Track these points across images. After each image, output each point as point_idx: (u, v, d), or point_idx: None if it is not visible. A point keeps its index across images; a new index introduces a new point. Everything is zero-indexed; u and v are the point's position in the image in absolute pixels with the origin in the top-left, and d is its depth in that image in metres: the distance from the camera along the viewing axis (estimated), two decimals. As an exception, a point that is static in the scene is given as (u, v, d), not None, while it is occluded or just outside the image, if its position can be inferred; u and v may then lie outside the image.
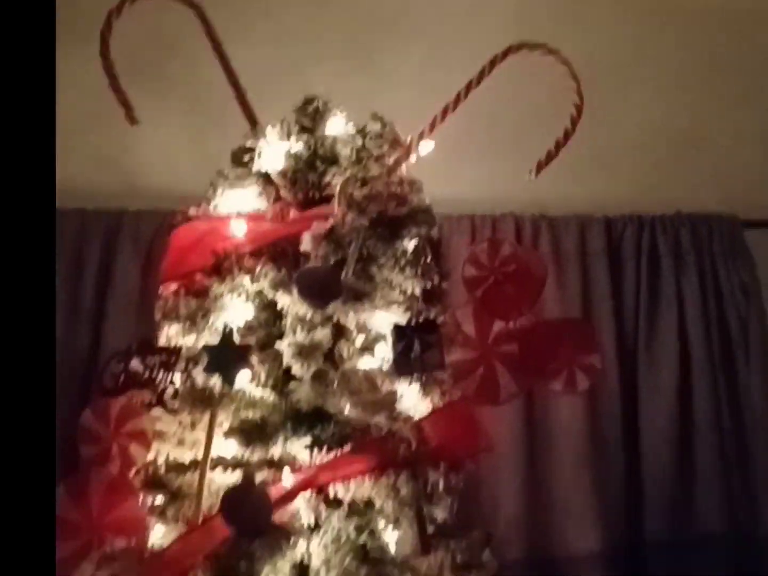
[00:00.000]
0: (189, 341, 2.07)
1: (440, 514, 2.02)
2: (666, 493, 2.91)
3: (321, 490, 1.98)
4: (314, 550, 1.95)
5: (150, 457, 2.04)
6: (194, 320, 2.06)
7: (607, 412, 2.91)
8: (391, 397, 1.99)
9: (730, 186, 3.09)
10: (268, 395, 2.03)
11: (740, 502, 2.94)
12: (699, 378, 2.95)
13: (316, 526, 1.97)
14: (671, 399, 2.93)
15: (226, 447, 2.02)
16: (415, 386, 2.06)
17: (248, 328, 2.06)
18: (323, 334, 2.03)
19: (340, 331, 2.07)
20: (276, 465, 1.99)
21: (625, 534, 2.89)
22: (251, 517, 1.84)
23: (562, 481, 2.84)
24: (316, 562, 1.93)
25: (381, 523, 1.97)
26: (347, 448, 1.99)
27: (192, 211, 2.18)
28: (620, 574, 2.85)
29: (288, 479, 1.96)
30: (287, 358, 2.01)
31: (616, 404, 2.91)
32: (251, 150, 2.23)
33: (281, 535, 1.87)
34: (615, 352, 2.93)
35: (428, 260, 2.13)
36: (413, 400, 2.06)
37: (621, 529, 2.89)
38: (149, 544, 1.94)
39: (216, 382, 1.99)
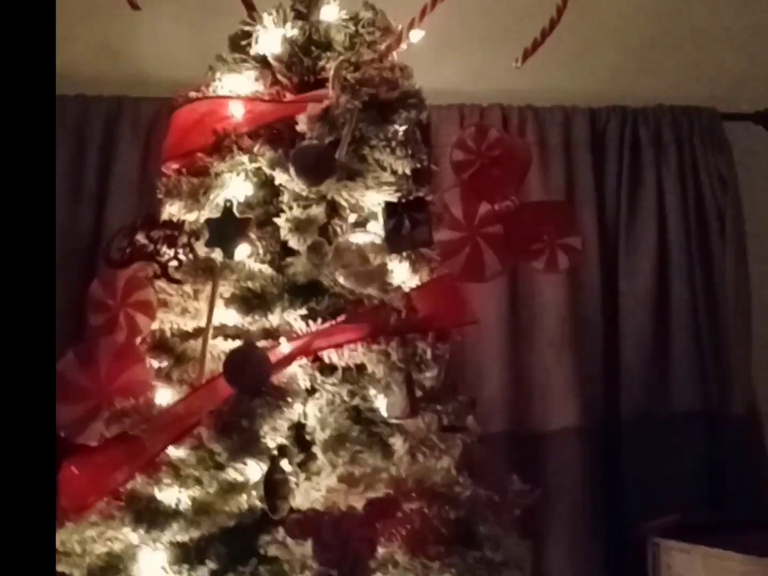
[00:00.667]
0: (191, 217, 2.18)
1: (428, 380, 2.15)
2: (642, 373, 3.05)
3: (316, 358, 2.12)
4: (310, 411, 2.09)
5: (155, 326, 2.17)
6: (196, 197, 2.17)
7: (588, 295, 3.04)
8: (382, 269, 2.11)
9: (711, 80, 3.18)
10: (267, 269, 2.15)
11: (713, 383, 3.08)
12: (676, 263, 3.07)
13: (312, 391, 2.11)
14: (649, 283, 3.06)
15: (227, 316, 2.14)
16: (405, 261, 2.17)
17: (247, 205, 2.17)
18: (318, 210, 2.14)
19: (334, 209, 2.19)
20: (274, 333, 2.12)
21: (603, 411, 3.04)
22: (252, 376, 1.97)
23: (543, 359, 2.99)
24: (312, 423, 2.08)
25: (372, 388, 2.10)
26: (341, 318, 2.11)
27: (192, 94, 2.27)
28: (597, 449, 3.01)
29: (285, 346, 2.09)
30: (284, 233, 2.13)
31: (597, 288, 3.04)
32: (249, 35, 2.31)
33: (279, 395, 2.00)
34: (596, 238, 3.05)
35: (418, 143, 2.23)
36: (403, 274, 2.18)
37: (599, 407, 3.04)
38: (155, 405, 2.08)
39: (217, 254, 2.11)
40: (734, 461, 3.03)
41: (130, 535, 2.03)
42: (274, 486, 1.97)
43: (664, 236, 3.10)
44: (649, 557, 2.73)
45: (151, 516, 1.99)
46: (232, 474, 2.01)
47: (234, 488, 2.02)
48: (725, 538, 2.55)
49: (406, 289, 2.16)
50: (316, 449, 2.04)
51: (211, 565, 2.01)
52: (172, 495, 2.03)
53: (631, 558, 2.83)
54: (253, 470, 2.01)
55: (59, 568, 2.03)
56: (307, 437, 2.08)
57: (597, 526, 2.97)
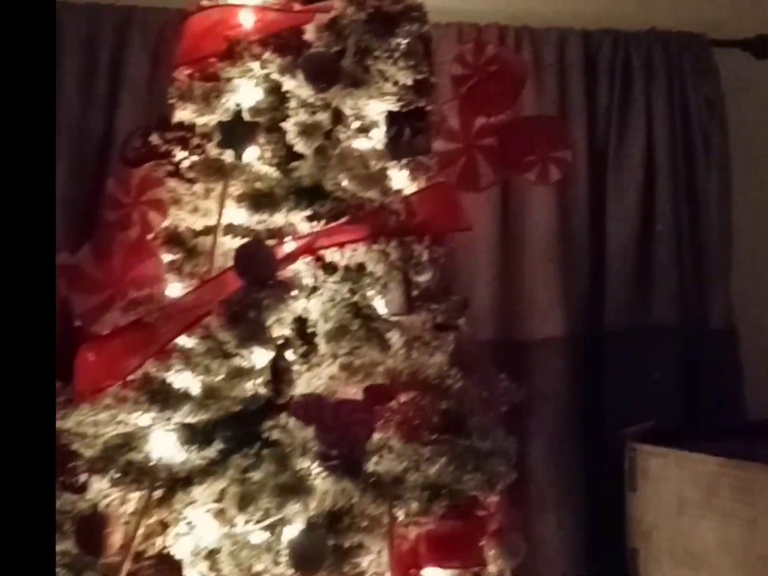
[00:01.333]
0: (202, 120, 2.29)
1: (423, 281, 2.28)
2: (626, 288, 3.18)
3: (319, 257, 2.25)
4: (313, 307, 2.22)
5: (167, 223, 2.29)
6: (207, 101, 2.28)
7: (576, 211, 3.15)
8: (383, 173, 2.23)
9: (702, 6, 3.26)
10: (273, 171, 2.27)
11: (694, 298, 3.21)
12: (662, 183, 3.19)
13: (315, 288, 2.24)
14: (636, 201, 3.18)
15: (236, 215, 2.27)
16: (404, 168, 2.29)
17: (256, 110, 2.29)
18: (324, 117, 2.26)
19: (338, 117, 2.30)
20: (279, 233, 2.25)
21: (587, 324, 3.17)
22: (259, 270, 2.10)
23: (531, 272, 3.11)
24: (314, 317, 2.21)
25: (371, 286, 2.24)
26: (343, 219, 2.24)
27: (204, 2, 2.36)
28: (580, 359, 3.15)
29: (290, 245, 2.22)
30: (291, 137, 2.24)
31: (585, 204, 3.16)
32: (258, -54, 2.40)
33: (284, 289, 2.13)
34: (586, 157, 3.16)
35: (419, 55, 2.34)
36: (402, 180, 2.30)
37: (583, 319, 3.16)
38: (167, 296, 2.21)
39: (227, 155, 2.22)
40: (711, 374, 3.17)
41: (142, 417, 2.16)
42: (279, 373, 2.11)
43: (652, 157, 3.20)
44: (626, 462, 2.86)
45: (162, 398, 2.13)
46: (239, 361, 2.14)
47: (240, 374, 2.15)
48: (699, 445, 2.68)
49: (405, 194, 2.28)
50: (318, 340, 2.18)
51: (218, 446, 2.13)
52: (182, 380, 2.16)
53: (609, 462, 2.96)
54: (259, 358, 2.14)
55: (74, 447, 2.17)
56: (310, 330, 2.21)
57: (578, 432, 3.10)
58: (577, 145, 3.09)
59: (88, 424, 2.19)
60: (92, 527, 2.07)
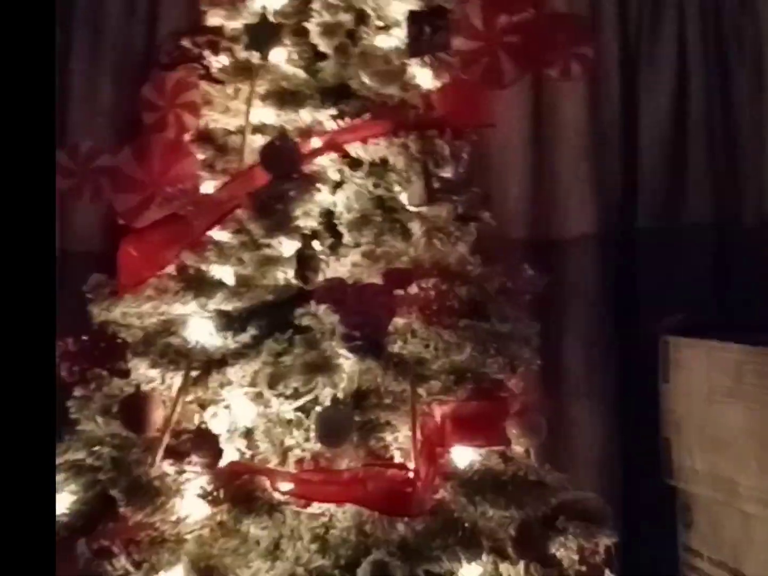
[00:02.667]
0: (231, 24, 2.40)
1: (445, 174, 2.38)
2: (659, 185, 3.22)
3: (344, 153, 2.36)
4: (338, 200, 2.34)
5: (200, 123, 2.42)
6: (235, 5, 2.39)
7: (609, 108, 3.18)
8: (403, 70, 2.33)
9: None
10: (299, 72, 2.38)
11: (727, 195, 3.23)
12: (695, 79, 3.18)
13: (340, 183, 2.36)
14: (668, 97, 3.19)
15: (263, 114, 2.38)
16: (426, 66, 2.38)
17: (282, 13, 2.39)
18: (346, 17, 2.36)
19: (361, 17, 2.39)
20: (305, 130, 2.36)
21: (619, 221, 3.22)
22: (285, 163, 2.22)
23: (563, 169, 3.16)
24: (339, 209, 2.33)
25: (394, 179, 2.34)
26: (366, 116, 2.34)
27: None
28: (612, 255, 3.20)
29: (315, 141, 2.33)
30: (315, 38, 2.35)
31: (617, 102, 3.18)
32: None
33: (310, 181, 2.26)
34: (617, 55, 3.18)
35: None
36: (424, 78, 2.39)
37: (616, 216, 3.21)
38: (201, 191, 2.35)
39: (254, 57, 2.34)
40: (743, 271, 3.19)
41: (180, 305, 2.30)
42: (306, 260, 2.24)
43: (683, 53, 3.20)
44: (660, 354, 2.94)
45: (198, 286, 2.27)
46: (268, 251, 2.27)
47: (270, 263, 2.28)
48: (728, 335, 2.74)
49: (426, 90, 2.37)
50: (343, 230, 2.30)
51: (252, 332, 2.27)
52: (216, 270, 2.31)
53: (642, 356, 3.04)
54: (287, 247, 2.27)
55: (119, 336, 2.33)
56: (335, 223, 2.34)
57: (611, 326, 3.15)
58: (608, 41, 3.12)
59: (132, 315, 2.34)
60: (135, 406, 2.22)
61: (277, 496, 2.16)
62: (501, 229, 2.70)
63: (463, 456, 2.30)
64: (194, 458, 2.15)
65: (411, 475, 2.17)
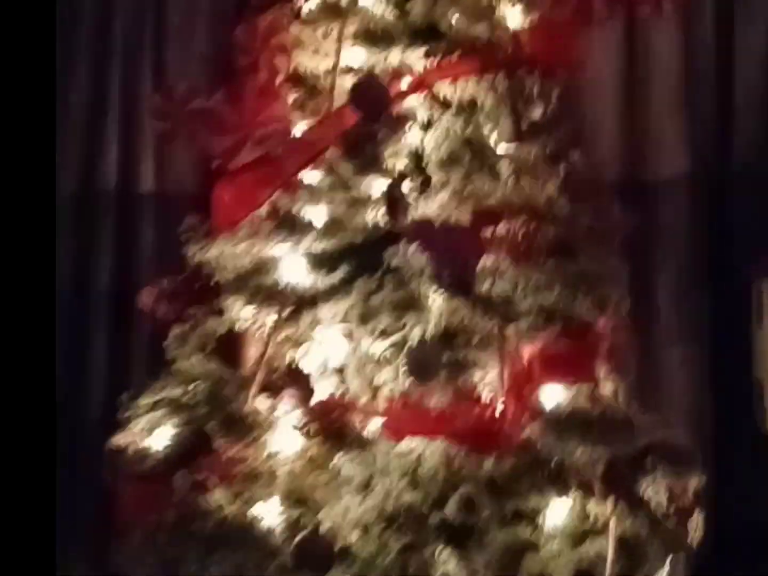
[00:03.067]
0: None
1: (534, 113, 2.38)
2: (754, 126, 3.16)
3: (433, 94, 2.37)
4: (427, 141, 2.36)
5: (291, 65, 2.45)
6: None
7: (703, 49, 3.13)
8: (492, 9, 2.33)
9: None
10: (388, 12, 2.39)
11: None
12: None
13: (429, 124, 2.37)
14: (765, 37, 3.14)
15: (353, 55, 2.40)
16: (517, 5, 2.37)
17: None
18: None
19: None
20: (394, 71, 2.38)
21: (713, 162, 3.17)
22: (374, 103, 2.24)
23: (656, 111, 3.11)
24: (428, 149, 2.35)
25: (483, 120, 2.35)
26: (455, 56, 2.35)
27: None
28: (706, 198, 3.16)
29: (404, 81, 2.35)
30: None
31: (711, 41, 3.13)
32: None
33: (399, 121, 2.28)
34: (712, -7, 3.14)
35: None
36: (514, 17, 2.39)
37: (710, 158, 3.17)
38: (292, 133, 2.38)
39: (344, -2, 2.36)
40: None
41: (273, 247, 2.35)
42: (395, 201, 2.26)
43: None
44: (753, 299, 2.92)
45: (290, 227, 2.32)
46: (358, 192, 2.31)
47: (360, 203, 2.31)
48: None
49: (515, 30, 2.37)
50: (432, 170, 2.31)
51: (343, 272, 2.31)
52: (308, 212, 2.35)
53: (735, 300, 3.01)
54: (377, 187, 2.30)
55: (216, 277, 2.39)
56: (424, 163, 2.35)
57: (704, 270, 3.13)
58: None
59: (226, 256, 2.39)
60: (231, 343, 2.28)
61: (367, 432, 2.20)
62: (593, 171, 2.68)
63: (551, 395, 2.31)
64: (287, 394, 2.20)
65: (499, 412, 2.19)
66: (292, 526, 2.16)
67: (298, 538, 2.11)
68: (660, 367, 3.04)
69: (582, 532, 2.27)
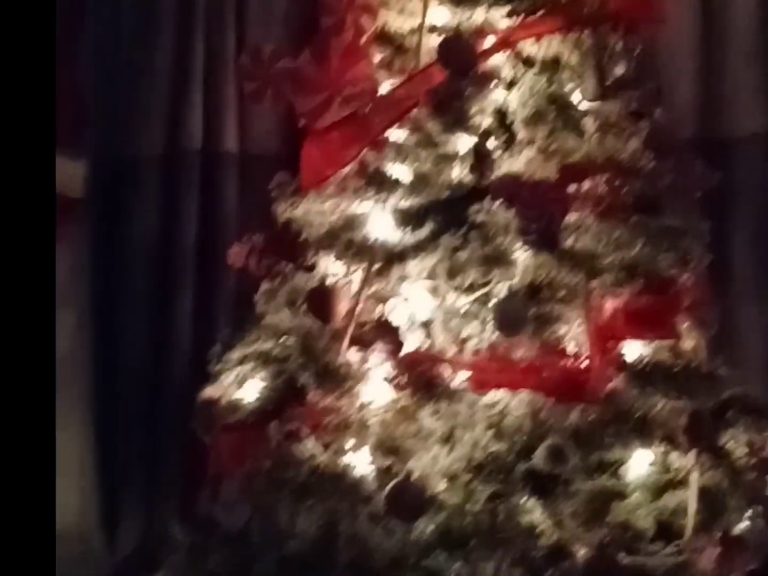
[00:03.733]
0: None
1: (618, 70, 2.40)
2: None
3: (517, 52, 2.40)
4: (512, 98, 2.39)
5: (377, 24, 2.49)
6: None
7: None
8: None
9: None
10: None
11: None
12: None
13: (514, 82, 2.40)
14: None
15: (438, 14, 2.44)
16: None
17: None
18: None
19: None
20: (480, 29, 2.41)
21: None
22: (461, 60, 2.28)
23: (734, 68, 3.11)
24: (514, 106, 2.38)
25: (567, 77, 2.38)
26: (539, 13, 2.38)
27: None
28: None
29: (490, 39, 2.38)
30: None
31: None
32: None
33: (485, 79, 2.31)
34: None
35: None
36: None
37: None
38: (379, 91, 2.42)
39: (430, -43, 2.39)
40: None
41: (361, 203, 2.40)
42: (481, 157, 2.30)
43: None
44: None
45: (378, 184, 2.36)
46: (444, 148, 2.35)
47: (446, 160, 2.36)
48: None
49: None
50: (517, 127, 2.35)
51: (429, 228, 2.34)
52: (394, 168, 2.39)
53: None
54: (463, 144, 2.34)
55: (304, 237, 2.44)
56: (509, 120, 2.39)
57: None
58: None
59: (314, 212, 2.45)
60: (321, 298, 2.34)
61: (455, 383, 2.25)
62: (670, 128, 2.69)
63: (634, 349, 2.34)
64: (378, 347, 2.26)
65: (585, 364, 2.23)
66: (384, 475, 2.21)
67: (390, 486, 2.16)
68: (738, 325, 3.05)
69: (664, 484, 2.30)
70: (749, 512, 2.34)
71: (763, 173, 3.14)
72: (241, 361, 2.43)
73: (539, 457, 2.19)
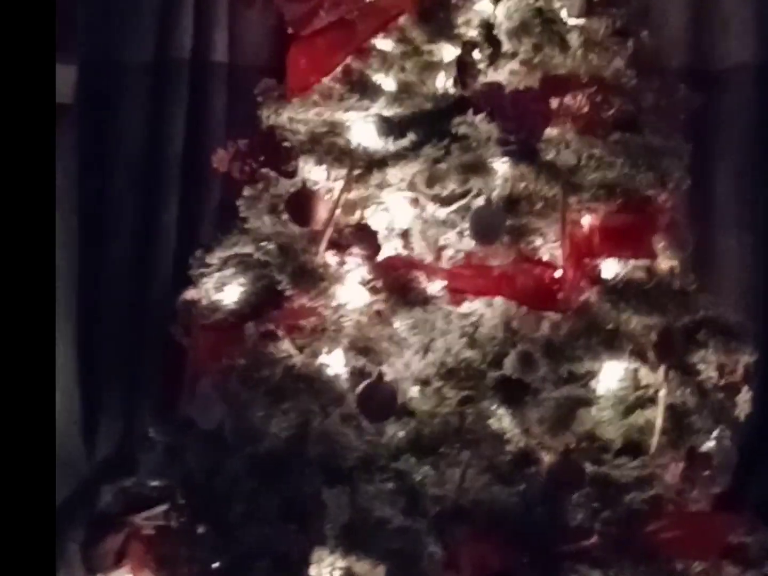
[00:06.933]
0: None
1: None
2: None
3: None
4: (499, 12, 2.40)
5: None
6: None
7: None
8: None
9: None
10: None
11: None
12: None
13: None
14: None
15: None
16: None
17: None
18: None
19: None
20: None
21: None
22: None
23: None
24: (500, 18, 2.39)
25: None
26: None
27: None
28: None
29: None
30: None
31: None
32: None
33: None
34: None
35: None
36: None
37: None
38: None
39: None
40: None
41: (344, 112, 2.41)
42: (465, 66, 2.32)
43: None
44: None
45: (362, 90, 2.38)
46: (429, 57, 2.36)
47: (431, 68, 2.37)
48: None
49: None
50: (502, 38, 2.36)
51: (411, 137, 2.36)
52: (379, 77, 2.41)
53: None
54: (448, 54, 2.36)
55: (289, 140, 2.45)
56: (495, 33, 2.39)
57: (764, 158, 3.15)
58: None
59: (298, 120, 2.46)
60: (301, 202, 2.36)
61: (430, 289, 2.28)
62: (657, 53, 2.71)
63: (610, 267, 2.37)
64: (355, 250, 2.28)
65: (558, 273, 2.26)
66: (357, 375, 2.25)
67: (362, 385, 2.20)
68: (716, 251, 3.08)
69: (633, 402, 2.34)
70: (716, 432, 2.38)
71: (750, 104, 3.15)
72: (223, 265, 2.45)
73: (509, 363, 2.23)
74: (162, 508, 2.32)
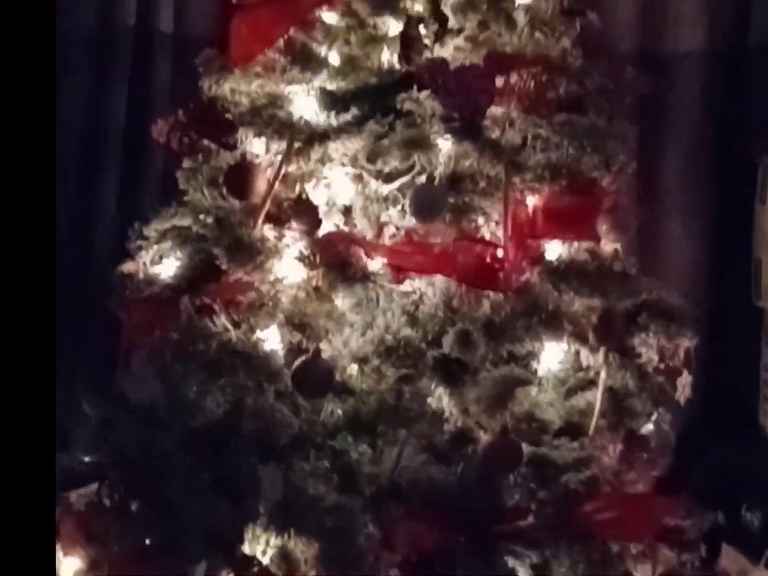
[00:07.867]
0: None
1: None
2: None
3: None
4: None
5: None
6: None
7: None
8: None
9: None
10: None
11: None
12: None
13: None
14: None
15: None
16: None
17: None
18: None
19: None
20: None
21: (731, 38, 3.16)
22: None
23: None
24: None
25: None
26: None
27: None
28: (721, 73, 3.16)
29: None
30: None
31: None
32: None
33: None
34: None
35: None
36: None
37: (727, 33, 3.16)
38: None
39: None
40: None
41: (287, 85, 2.37)
42: (410, 41, 2.28)
43: None
44: (758, 175, 2.95)
45: (305, 62, 2.34)
46: (373, 30, 2.33)
47: (375, 41, 2.34)
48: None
49: None
50: (448, 14, 2.33)
51: (354, 112, 2.33)
52: (323, 50, 2.37)
53: (740, 176, 3.05)
54: (392, 26, 2.32)
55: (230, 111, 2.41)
56: (442, 8, 2.36)
57: (712, 144, 3.16)
58: None
59: (240, 92, 2.42)
60: (240, 175, 2.32)
61: (371, 266, 2.26)
62: (609, 37, 2.70)
63: (552, 249, 2.36)
64: (294, 224, 2.25)
65: (500, 253, 2.24)
66: (294, 351, 2.22)
67: (298, 362, 2.17)
68: (659, 235, 3.09)
69: (574, 385, 2.33)
70: (655, 415, 2.38)
71: (699, 90, 3.15)
72: (161, 238, 2.41)
73: (449, 340, 2.21)
74: (94, 485, 2.28)
